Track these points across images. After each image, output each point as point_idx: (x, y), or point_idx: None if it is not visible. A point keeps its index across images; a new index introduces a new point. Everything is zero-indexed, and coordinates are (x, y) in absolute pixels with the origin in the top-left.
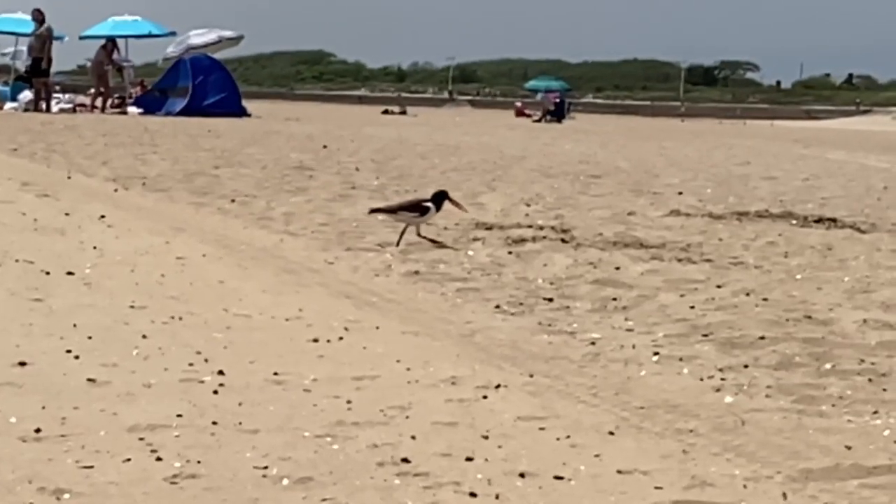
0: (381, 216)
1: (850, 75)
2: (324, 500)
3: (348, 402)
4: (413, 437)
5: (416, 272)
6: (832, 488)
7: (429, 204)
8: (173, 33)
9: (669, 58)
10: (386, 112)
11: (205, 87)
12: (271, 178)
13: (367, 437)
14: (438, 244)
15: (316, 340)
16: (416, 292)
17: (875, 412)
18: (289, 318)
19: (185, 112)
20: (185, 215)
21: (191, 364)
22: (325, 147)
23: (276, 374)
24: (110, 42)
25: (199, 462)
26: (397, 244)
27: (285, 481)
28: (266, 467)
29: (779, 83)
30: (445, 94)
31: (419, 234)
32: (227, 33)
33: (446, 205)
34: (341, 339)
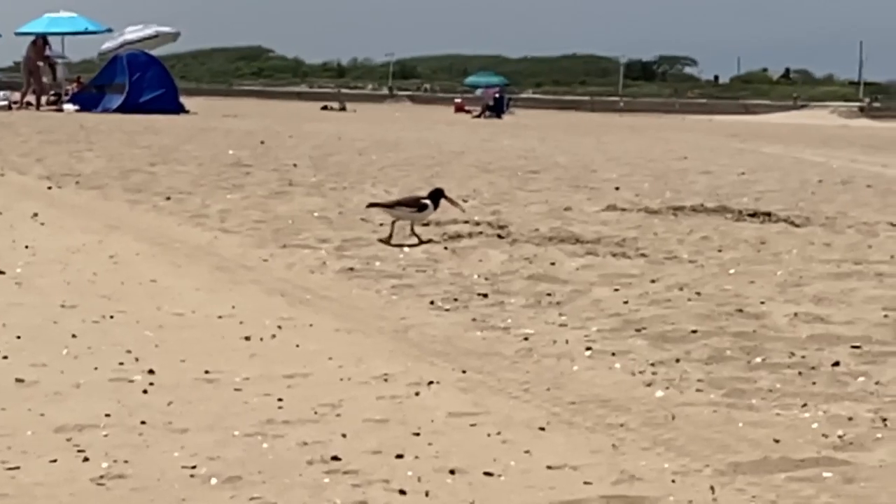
0: (378, 210)
1: (787, 70)
2: (252, 498)
3: (279, 400)
4: (343, 435)
5: (352, 269)
6: (760, 481)
7: (427, 201)
8: (110, 30)
9: (608, 53)
10: (325, 108)
11: (141, 83)
12: (208, 175)
13: (297, 436)
14: (426, 242)
15: (248, 338)
16: (351, 289)
17: (804, 405)
18: (221, 316)
19: (122, 109)
20: (119, 213)
21: (121, 363)
22: (262, 143)
23: (207, 372)
24: (41, 38)
25: (126, 462)
26: (388, 240)
27: (214, 480)
28: (194, 467)
29: (717, 78)
30: (385, 90)
31: (412, 232)
32: (164, 29)
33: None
34: (274, 336)
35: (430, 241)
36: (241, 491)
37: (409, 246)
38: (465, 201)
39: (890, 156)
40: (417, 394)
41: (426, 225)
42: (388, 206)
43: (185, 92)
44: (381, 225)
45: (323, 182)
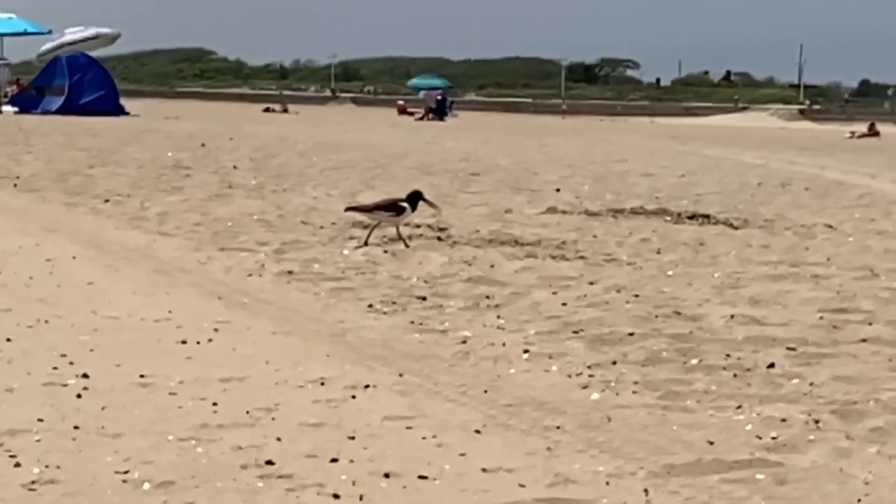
0: (356, 215)
1: (728, 72)
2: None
3: (214, 404)
4: (278, 439)
5: (290, 272)
6: (693, 483)
7: (405, 204)
8: (49, 31)
9: (551, 55)
10: (267, 110)
11: (82, 85)
12: (147, 177)
13: (231, 440)
14: (406, 244)
15: (184, 342)
16: (289, 292)
17: (739, 407)
18: (158, 320)
19: (62, 111)
20: (57, 216)
21: (55, 367)
22: (203, 146)
23: (142, 376)
24: None
25: (58, 467)
26: (365, 243)
27: (146, 485)
28: (127, 472)
29: (658, 80)
30: (328, 92)
31: (398, 235)
32: (105, 31)
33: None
34: (210, 340)
35: (406, 243)
36: (173, 496)
37: (373, 244)
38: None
39: (829, 158)
40: (354, 397)
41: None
42: (367, 209)
43: (125, 94)
44: (322, 227)
45: (263, 184)
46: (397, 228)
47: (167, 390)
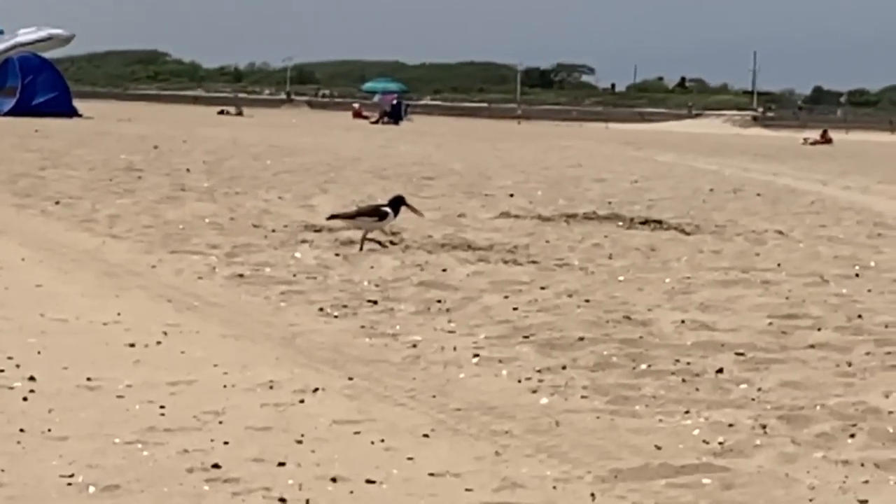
0: (339, 222)
1: (683, 79)
2: None
3: (162, 407)
4: (226, 443)
5: (241, 275)
6: (640, 488)
7: (387, 209)
8: (1, 32)
9: (506, 60)
10: (222, 112)
11: (34, 86)
12: (98, 179)
13: (178, 443)
14: (385, 247)
15: (133, 345)
16: (240, 295)
17: (687, 412)
18: (106, 323)
19: (14, 112)
20: (6, 218)
21: (1, 370)
22: (156, 148)
23: (89, 379)
24: None
25: (3, 470)
26: (360, 249)
27: (91, 489)
28: (72, 475)
29: (613, 86)
30: (283, 95)
31: (377, 239)
32: (58, 32)
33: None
34: (159, 343)
35: (385, 246)
36: (119, 499)
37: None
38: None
39: (781, 164)
40: (302, 401)
41: (318, 230)
42: (349, 216)
43: (79, 95)
44: (274, 231)
45: (216, 187)
46: (375, 232)
47: (114, 393)
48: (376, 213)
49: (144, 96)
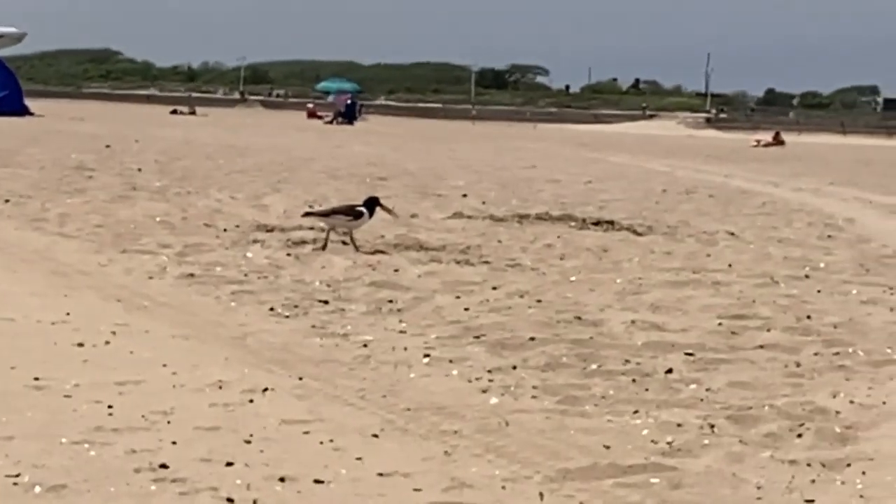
0: (314, 219)
1: (637, 80)
2: None
3: (109, 407)
4: (174, 443)
5: (192, 275)
6: (588, 487)
7: (362, 209)
8: None
9: (461, 61)
10: (175, 112)
11: None
12: (49, 178)
13: (126, 443)
14: (357, 247)
15: (81, 345)
16: (190, 295)
17: (636, 412)
18: (55, 322)
19: None
20: None
21: None
22: (108, 147)
23: (36, 379)
24: None
25: None
26: (324, 248)
27: (38, 489)
28: (18, 475)
29: (568, 87)
30: (237, 95)
31: (351, 239)
32: (9, 30)
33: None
34: (108, 343)
35: (357, 246)
36: (65, 499)
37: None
38: (310, 207)
39: (733, 166)
40: (251, 401)
41: (270, 230)
42: (324, 214)
43: (30, 94)
44: (225, 230)
45: (168, 187)
46: (350, 232)
47: (62, 393)
48: (351, 212)
49: (97, 95)
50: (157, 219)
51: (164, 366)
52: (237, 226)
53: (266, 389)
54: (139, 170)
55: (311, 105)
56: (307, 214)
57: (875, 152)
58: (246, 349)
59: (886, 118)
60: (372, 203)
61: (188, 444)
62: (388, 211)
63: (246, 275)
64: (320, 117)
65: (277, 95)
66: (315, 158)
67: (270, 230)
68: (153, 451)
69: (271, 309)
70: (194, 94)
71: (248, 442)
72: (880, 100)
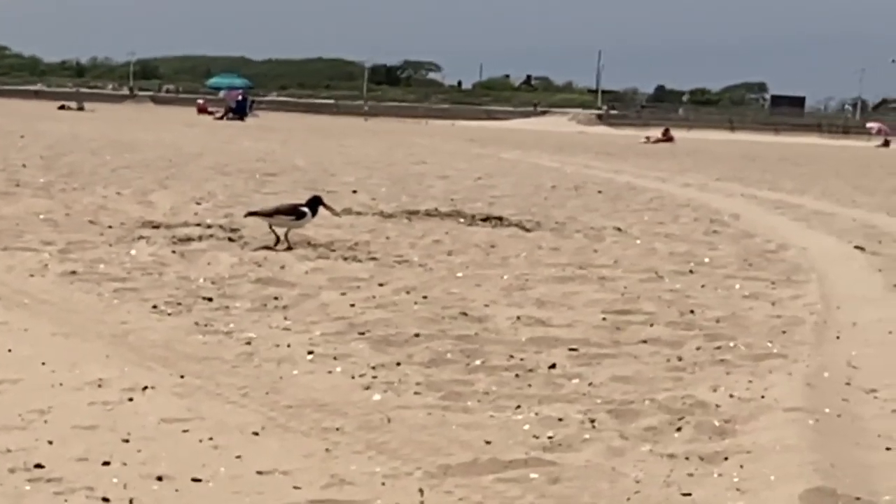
0: (257, 219)
1: (529, 77)
2: None
3: None
4: (50, 442)
5: (74, 272)
6: (468, 483)
7: (305, 209)
8: None
9: (353, 57)
10: (63, 107)
11: None
12: None
13: (1, 443)
14: (290, 247)
15: None
16: (72, 293)
17: (518, 407)
18: None
19: None
20: None
21: None
22: None
23: None
24: None
25: None
26: (288, 248)
27: None
28: None
29: (460, 83)
30: (126, 91)
31: (285, 237)
32: None
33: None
34: None
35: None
36: None
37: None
38: (197, 204)
39: (623, 162)
40: (131, 399)
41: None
42: (267, 214)
43: None
44: (110, 227)
45: (52, 183)
46: (287, 232)
47: None
48: (294, 212)
49: None
50: (41, 216)
51: (43, 364)
52: (122, 223)
53: (146, 388)
54: (23, 165)
55: (201, 101)
56: (250, 214)
57: (762, 148)
58: (127, 347)
59: (773, 115)
60: (315, 202)
61: (64, 444)
62: (331, 210)
63: (129, 272)
64: (211, 113)
65: (167, 91)
66: (204, 154)
67: (156, 227)
68: (29, 450)
69: (154, 306)
70: (83, 90)
71: (126, 441)
72: (768, 97)
